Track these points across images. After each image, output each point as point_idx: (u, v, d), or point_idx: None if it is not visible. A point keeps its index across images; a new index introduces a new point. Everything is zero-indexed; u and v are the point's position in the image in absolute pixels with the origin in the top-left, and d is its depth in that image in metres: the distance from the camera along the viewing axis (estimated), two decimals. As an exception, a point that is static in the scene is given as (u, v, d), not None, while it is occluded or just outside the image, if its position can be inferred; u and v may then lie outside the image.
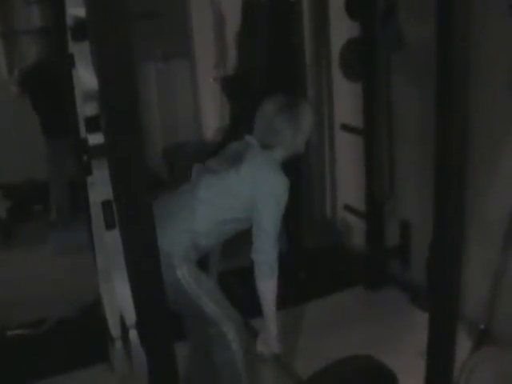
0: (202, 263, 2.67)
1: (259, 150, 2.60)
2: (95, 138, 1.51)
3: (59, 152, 5.38)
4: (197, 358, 2.86)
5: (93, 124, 1.50)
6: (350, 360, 2.78)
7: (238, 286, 3.63)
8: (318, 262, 4.41)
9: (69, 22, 1.50)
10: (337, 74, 4.23)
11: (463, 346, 3.04)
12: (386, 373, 2.72)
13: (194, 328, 2.70)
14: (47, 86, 5.23)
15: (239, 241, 2.64)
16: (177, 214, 2.53)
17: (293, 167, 4.02)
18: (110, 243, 1.61)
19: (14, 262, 4.84)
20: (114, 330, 1.74)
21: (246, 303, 2.65)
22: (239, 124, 4.56)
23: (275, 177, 2.53)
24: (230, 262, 3.21)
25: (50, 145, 5.43)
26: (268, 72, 4.36)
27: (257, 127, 2.65)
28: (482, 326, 3.23)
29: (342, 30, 4.08)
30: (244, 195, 2.50)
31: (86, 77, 1.47)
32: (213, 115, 6.57)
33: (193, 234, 2.50)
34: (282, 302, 2.69)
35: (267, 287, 2.50)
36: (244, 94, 4.81)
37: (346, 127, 4.23)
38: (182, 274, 2.44)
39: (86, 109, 1.50)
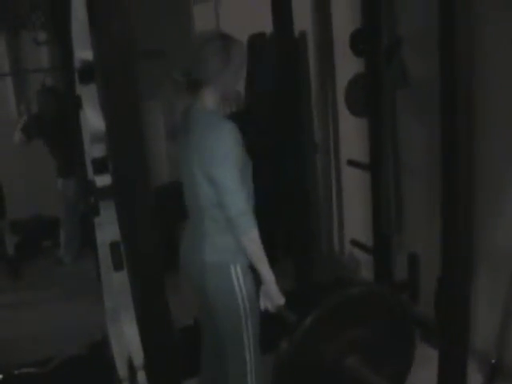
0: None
1: (197, 113, 2.46)
2: (103, 180, 1.53)
3: (72, 191, 5.44)
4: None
5: (100, 165, 1.52)
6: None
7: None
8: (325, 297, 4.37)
9: (76, 64, 1.52)
10: (343, 109, 4.25)
11: (474, 380, 3.00)
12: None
13: (214, 348, 2.67)
14: (56, 130, 5.34)
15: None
16: (202, 227, 2.48)
17: (300, 202, 4.06)
18: (117, 284, 1.61)
19: (22, 299, 4.82)
20: (122, 371, 1.74)
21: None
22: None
23: (216, 126, 2.38)
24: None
25: (63, 184, 5.48)
26: (274, 108, 4.39)
27: (184, 60, 2.54)
28: (494, 361, 3.19)
29: (348, 66, 4.11)
30: (207, 169, 2.37)
31: (93, 118, 1.49)
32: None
33: (223, 229, 2.43)
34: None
35: (250, 239, 2.37)
36: (250, 130, 4.83)
37: (352, 163, 4.24)
38: (237, 278, 2.42)
39: (93, 150, 1.52)
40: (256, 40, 4.96)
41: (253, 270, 2.49)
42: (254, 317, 2.50)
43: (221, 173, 2.32)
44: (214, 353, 2.72)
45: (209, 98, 2.46)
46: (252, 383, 2.52)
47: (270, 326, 2.51)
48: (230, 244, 2.43)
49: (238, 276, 2.43)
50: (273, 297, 2.47)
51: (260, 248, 2.39)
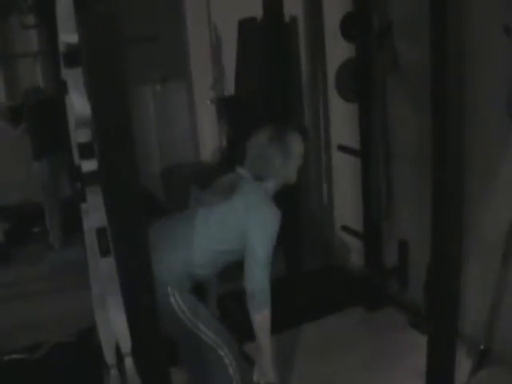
0: (200, 289, 2.66)
1: (251, 182, 2.64)
2: (88, 165, 1.51)
3: (46, 174, 5.46)
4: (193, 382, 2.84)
5: (86, 150, 1.50)
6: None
7: (236, 310, 3.61)
8: (315, 284, 4.38)
9: (61, 48, 1.49)
10: (333, 94, 4.24)
11: (463, 366, 3.01)
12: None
13: (189, 354, 2.68)
14: (37, 113, 5.44)
15: (239, 264, 2.62)
16: (173, 243, 2.54)
17: (290, 189, 4.05)
18: (104, 270, 1.60)
19: (13, 285, 4.81)
20: (109, 358, 1.72)
21: (244, 327, 2.61)
22: (236, 145, 4.56)
23: (266, 209, 2.57)
24: (228, 285, 3.19)
25: (37, 167, 5.49)
26: (264, 93, 4.37)
27: (248, 158, 2.69)
28: (482, 347, 3.20)
29: (338, 51, 4.10)
30: (237, 227, 2.53)
31: (78, 103, 1.47)
32: (210, 137, 6.57)
33: (187, 264, 2.51)
34: (280, 324, 2.67)
35: (261, 318, 2.50)
36: (240, 116, 4.82)
37: (342, 148, 4.23)
38: (176, 300, 2.44)
39: (79, 135, 1.50)
40: (246, 25, 4.94)
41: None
42: (202, 318, 2.52)
43: (260, 248, 2.49)
44: (188, 351, 2.72)
45: (270, 185, 2.67)
46: (235, 374, 2.53)
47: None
48: (184, 277, 2.51)
49: (173, 293, 2.44)
50: (267, 374, 2.60)
51: (268, 326, 2.53)
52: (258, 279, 2.48)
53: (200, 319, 2.48)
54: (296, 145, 2.68)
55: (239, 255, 2.56)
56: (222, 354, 2.51)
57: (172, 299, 2.43)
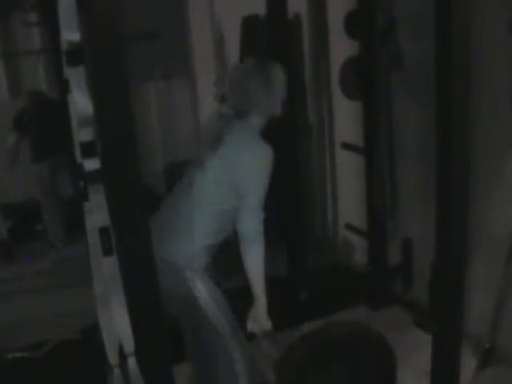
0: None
1: (235, 124, 2.52)
2: (91, 164, 1.50)
3: (47, 176, 5.49)
4: (198, 377, 2.83)
5: (88, 149, 1.49)
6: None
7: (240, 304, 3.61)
8: (319, 282, 4.37)
9: (63, 46, 1.49)
10: (337, 92, 4.23)
11: (468, 365, 3.00)
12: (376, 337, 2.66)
13: (199, 345, 2.66)
14: (36, 115, 5.49)
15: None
16: (178, 223, 2.50)
17: (293, 186, 4.04)
18: (107, 270, 1.59)
19: (15, 282, 4.81)
20: (112, 358, 1.72)
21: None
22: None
23: (254, 147, 2.46)
24: (229, 283, 3.18)
25: (37, 169, 5.50)
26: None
27: (229, 93, 2.58)
28: (487, 345, 3.19)
29: (342, 48, 4.08)
30: (230, 180, 2.43)
31: (81, 102, 1.46)
32: (213, 134, 6.55)
33: (197, 238, 2.46)
34: (283, 322, 2.65)
35: (254, 258, 2.39)
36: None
37: (346, 145, 4.22)
38: (194, 284, 2.42)
39: (81, 134, 1.49)
40: (250, 22, 4.92)
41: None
42: (220, 306, 2.50)
43: (251, 190, 2.39)
44: (198, 343, 2.70)
45: (255, 122, 2.54)
46: (241, 371, 2.52)
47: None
48: (197, 251, 2.47)
49: (192, 277, 2.43)
50: (261, 321, 2.49)
51: (261, 270, 2.42)
52: (249, 219, 2.38)
53: (217, 306, 2.47)
54: (278, 74, 2.54)
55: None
56: (232, 348, 2.50)
57: (191, 283, 2.42)
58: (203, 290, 2.44)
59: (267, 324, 2.49)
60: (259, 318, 2.48)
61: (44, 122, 5.42)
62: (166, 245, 2.39)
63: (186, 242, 2.45)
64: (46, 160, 5.43)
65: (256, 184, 2.41)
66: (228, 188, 2.45)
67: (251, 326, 2.52)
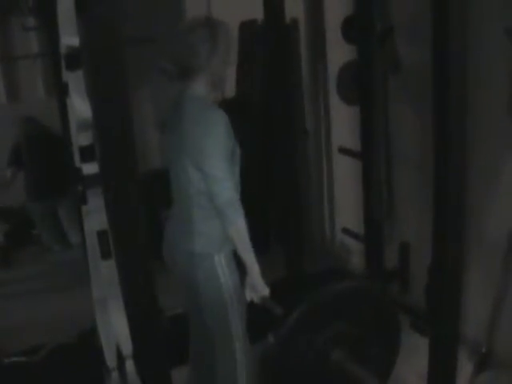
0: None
1: (185, 95, 2.46)
2: (90, 168, 1.50)
3: (41, 217, 5.41)
4: (196, 375, 2.84)
5: (87, 153, 1.49)
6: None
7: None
8: (316, 286, 4.36)
9: (62, 50, 1.49)
10: (334, 97, 4.24)
11: (464, 369, 3.01)
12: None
13: (202, 339, 2.67)
14: (37, 155, 5.26)
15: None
16: (191, 213, 2.47)
17: (291, 190, 4.05)
18: (105, 273, 1.60)
19: (13, 286, 4.80)
20: (110, 361, 1.72)
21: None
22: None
23: (203, 115, 2.37)
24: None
25: (31, 208, 5.39)
26: (265, 95, 4.37)
27: (173, 48, 2.49)
28: (484, 349, 3.19)
29: (339, 53, 4.09)
30: (193, 158, 2.37)
31: (79, 106, 1.46)
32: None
33: (209, 214, 2.42)
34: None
35: (236, 229, 2.35)
36: (241, 117, 4.81)
37: (343, 150, 4.23)
38: (223, 272, 2.44)
39: (80, 138, 1.49)
40: (247, 27, 4.93)
41: (238, 260, 2.48)
42: (239, 306, 2.51)
43: (209, 162, 2.31)
44: (202, 342, 2.71)
45: (199, 85, 2.46)
46: (241, 373, 2.52)
47: (258, 316, 2.52)
48: (215, 232, 2.44)
49: (222, 265, 2.45)
50: (257, 287, 2.47)
51: (246, 238, 2.38)
52: (221, 191, 2.30)
53: (237, 297, 2.49)
54: (223, 33, 2.45)
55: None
56: (236, 347, 2.51)
57: (219, 269, 2.43)
58: (229, 277, 2.45)
59: (264, 289, 2.48)
60: (255, 284, 2.47)
61: (40, 159, 5.22)
62: (188, 237, 2.44)
63: (208, 228, 2.44)
64: (41, 201, 5.30)
65: (214, 154, 2.32)
66: (196, 170, 2.39)
67: (250, 294, 2.51)
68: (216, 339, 2.54)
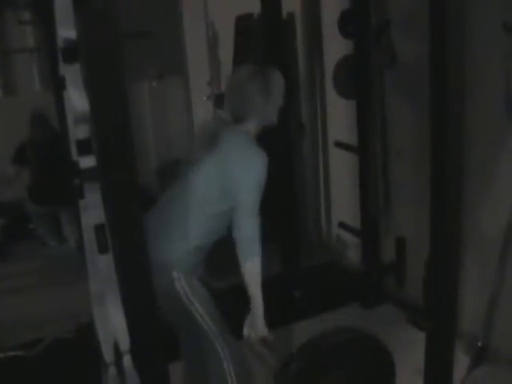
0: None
1: (231, 128, 2.55)
2: (87, 161, 1.50)
3: (45, 218, 5.42)
4: (189, 374, 2.83)
5: (84, 147, 1.48)
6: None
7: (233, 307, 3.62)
8: (312, 281, 4.38)
9: (60, 43, 1.48)
10: (330, 91, 4.23)
11: (461, 363, 3.01)
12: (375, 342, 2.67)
13: (188, 344, 2.67)
14: (42, 158, 5.24)
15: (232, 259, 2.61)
16: (169, 223, 2.50)
17: (287, 184, 4.05)
18: (102, 267, 1.59)
19: (10, 281, 4.79)
20: (108, 356, 1.72)
21: (240, 319, 2.60)
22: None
23: (249, 152, 2.48)
24: (224, 281, 3.19)
25: (32, 209, 5.39)
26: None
27: (227, 98, 2.60)
28: (480, 343, 3.20)
29: (336, 47, 4.08)
30: (223, 183, 2.45)
31: (76, 99, 1.46)
32: (207, 133, 6.54)
33: (186, 239, 2.47)
34: (277, 320, 2.65)
35: (251, 266, 2.41)
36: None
37: (339, 144, 4.22)
38: (181, 286, 2.42)
39: (77, 131, 1.49)
40: (243, 21, 4.92)
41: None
42: (206, 307, 2.51)
43: (246, 195, 2.41)
44: (188, 341, 2.70)
45: (250, 126, 2.56)
46: (229, 369, 2.52)
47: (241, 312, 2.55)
48: (185, 253, 2.47)
49: (179, 278, 2.43)
50: (258, 327, 2.52)
51: (259, 277, 2.44)
52: (245, 227, 2.40)
53: (204, 307, 2.47)
54: (277, 81, 2.58)
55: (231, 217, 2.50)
56: (219, 348, 2.50)
57: (177, 284, 2.41)
58: (189, 291, 2.44)
59: (263, 330, 2.53)
60: (256, 325, 2.52)
61: (45, 162, 5.22)
62: (156, 244, 2.37)
63: (175, 243, 2.46)
64: (43, 205, 5.31)
65: (251, 190, 2.42)
66: (220, 191, 2.47)
67: (247, 331, 2.55)
68: (196, 341, 2.55)
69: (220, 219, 2.52)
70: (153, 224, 2.45)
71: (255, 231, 2.42)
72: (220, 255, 2.66)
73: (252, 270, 2.42)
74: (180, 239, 2.47)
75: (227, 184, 2.44)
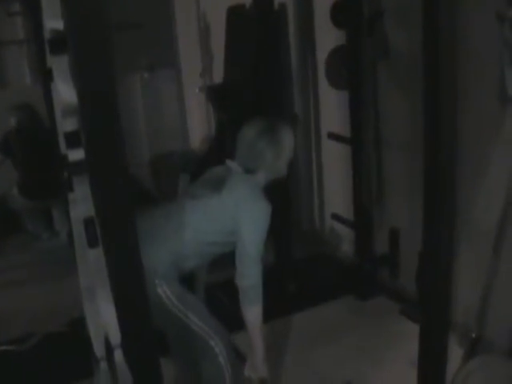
0: (188, 279, 2.64)
1: (241, 175, 2.61)
2: (75, 154, 1.47)
3: (35, 212, 5.38)
4: (183, 374, 2.83)
5: (73, 139, 1.46)
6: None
7: (225, 298, 3.61)
8: (306, 272, 4.38)
9: (46, 34, 1.46)
10: (323, 82, 4.22)
11: (455, 354, 3.01)
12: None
13: (179, 345, 2.66)
14: (29, 149, 5.17)
15: (227, 253, 2.61)
16: (160, 234, 2.52)
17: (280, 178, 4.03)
18: (93, 261, 1.57)
19: (1, 275, 4.77)
20: (99, 351, 1.70)
21: (234, 316, 2.59)
22: (225, 133, 4.54)
23: (257, 202, 2.53)
24: (218, 274, 3.17)
25: (27, 205, 5.32)
26: (254, 81, 4.34)
27: (238, 151, 2.65)
28: (474, 334, 3.20)
29: (328, 38, 4.07)
30: (226, 220, 2.51)
31: (64, 91, 1.43)
32: (199, 125, 6.55)
33: (175, 255, 2.49)
34: (271, 313, 2.66)
35: (253, 313, 2.49)
36: (230, 104, 4.79)
37: (332, 136, 4.21)
38: (163, 291, 2.42)
39: (66, 124, 1.46)
40: (235, 12, 4.90)
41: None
42: (194, 309, 2.50)
43: (251, 241, 2.46)
44: (178, 342, 2.69)
45: (260, 179, 2.64)
46: (225, 363, 2.52)
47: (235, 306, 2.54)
48: (167, 266, 2.47)
49: (161, 284, 2.42)
50: (258, 369, 2.58)
51: (260, 322, 2.51)
52: (249, 275, 2.46)
53: (189, 309, 2.47)
54: (287, 137, 2.66)
55: (226, 247, 2.57)
56: (213, 343, 2.49)
57: (160, 290, 2.41)
58: (171, 296, 2.44)
59: (264, 372, 2.59)
60: (256, 366, 2.58)
61: (31, 154, 5.16)
62: (142, 248, 2.39)
63: (159, 254, 2.45)
64: (33, 200, 5.25)
65: (256, 237, 2.47)
66: (221, 225, 2.53)
67: (248, 372, 2.61)
68: (187, 342, 2.54)
69: (213, 248, 2.59)
70: (143, 228, 2.44)
71: (259, 279, 2.47)
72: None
73: (254, 316, 2.50)
74: (167, 253, 2.48)
75: (229, 224, 2.50)
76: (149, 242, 2.38)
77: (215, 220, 2.54)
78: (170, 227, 2.54)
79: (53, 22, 1.43)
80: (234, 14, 4.92)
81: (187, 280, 2.61)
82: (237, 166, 2.63)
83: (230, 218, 2.49)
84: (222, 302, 3.59)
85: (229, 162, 2.67)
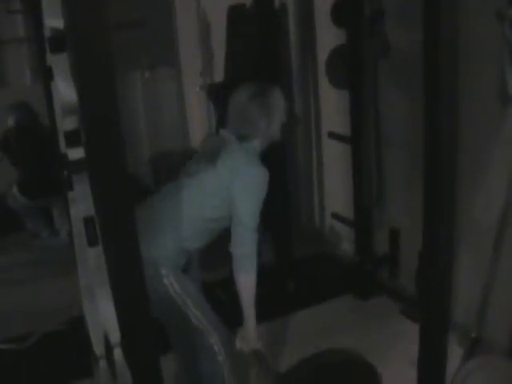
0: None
1: (235, 144, 2.57)
2: (75, 153, 1.47)
3: (35, 211, 5.36)
4: (183, 370, 2.82)
5: (72, 138, 1.46)
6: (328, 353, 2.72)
7: (224, 296, 3.60)
8: (306, 272, 4.37)
9: (46, 33, 1.46)
10: (323, 81, 4.22)
11: (454, 354, 3.01)
12: (366, 365, 2.68)
13: (179, 340, 2.66)
14: (28, 147, 5.17)
15: (224, 251, 2.60)
16: (160, 220, 2.51)
17: (280, 175, 4.03)
18: (92, 260, 1.57)
19: (1, 274, 4.77)
20: (98, 349, 1.70)
21: (233, 313, 2.59)
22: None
23: (252, 168, 2.50)
24: (216, 273, 3.18)
25: (27, 203, 5.31)
26: (254, 80, 4.33)
27: (230, 119, 2.62)
28: (474, 334, 3.20)
29: (329, 37, 4.07)
30: (222, 193, 2.47)
31: (64, 90, 1.43)
32: (199, 123, 6.54)
33: (177, 239, 2.48)
34: (271, 312, 2.65)
35: (246, 281, 2.45)
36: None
37: (333, 135, 4.21)
38: (170, 282, 2.42)
39: (65, 122, 1.46)
40: (236, 11, 4.89)
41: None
42: (196, 301, 2.51)
43: (246, 210, 2.44)
44: (179, 337, 2.69)
45: (256, 145, 2.60)
46: (224, 361, 2.53)
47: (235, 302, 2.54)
48: (171, 252, 2.48)
49: (167, 274, 2.43)
50: (250, 341, 2.54)
51: (253, 291, 2.47)
52: (243, 243, 2.43)
53: (192, 302, 2.47)
54: (278, 100, 2.62)
55: (226, 222, 2.52)
56: (212, 340, 2.50)
57: (166, 281, 2.41)
58: (177, 287, 2.44)
59: (256, 343, 2.55)
60: (248, 338, 2.54)
61: (30, 153, 5.15)
62: (145, 239, 2.38)
63: (163, 241, 2.46)
64: (33, 199, 5.25)
65: (252, 205, 2.45)
66: (219, 199, 2.49)
67: (240, 344, 2.57)
68: (187, 337, 2.54)
69: (214, 224, 2.56)
70: (143, 219, 2.44)
71: (254, 247, 2.44)
72: (211, 248, 2.67)
73: (247, 284, 2.46)
74: (170, 238, 2.48)
75: (228, 196, 2.46)
76: (150, 232, 2.39)
77: (213, 195, 2.50)
78: (168, 211, 2.53)
79: (53, 21, 1.43)
80: (234, 12, 4.91)
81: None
82: (230, 134, 2.59)
83: (225, 189, 2.47)
84: (221, 299, 3.59)
85: (222, 131, 2.64)
